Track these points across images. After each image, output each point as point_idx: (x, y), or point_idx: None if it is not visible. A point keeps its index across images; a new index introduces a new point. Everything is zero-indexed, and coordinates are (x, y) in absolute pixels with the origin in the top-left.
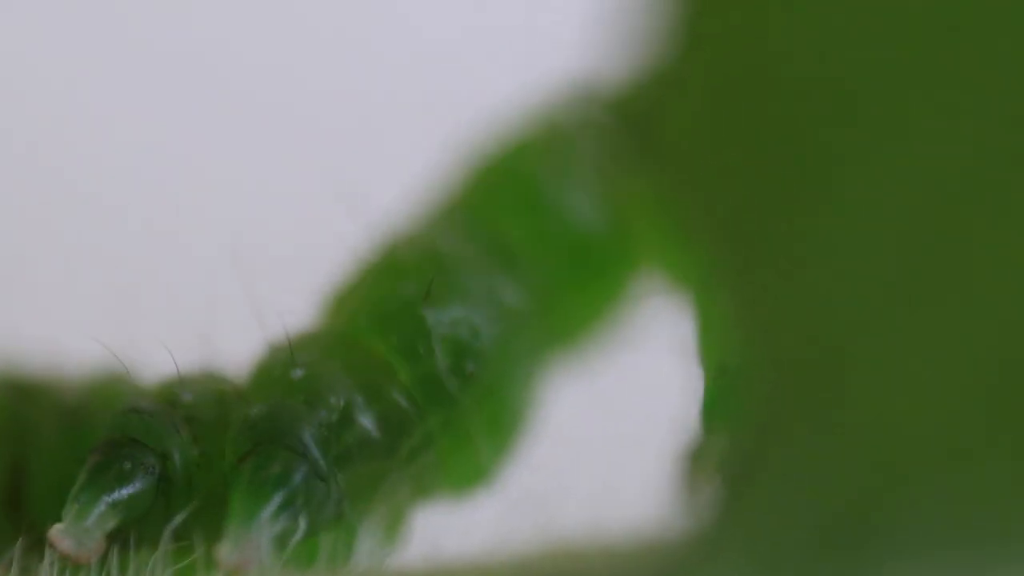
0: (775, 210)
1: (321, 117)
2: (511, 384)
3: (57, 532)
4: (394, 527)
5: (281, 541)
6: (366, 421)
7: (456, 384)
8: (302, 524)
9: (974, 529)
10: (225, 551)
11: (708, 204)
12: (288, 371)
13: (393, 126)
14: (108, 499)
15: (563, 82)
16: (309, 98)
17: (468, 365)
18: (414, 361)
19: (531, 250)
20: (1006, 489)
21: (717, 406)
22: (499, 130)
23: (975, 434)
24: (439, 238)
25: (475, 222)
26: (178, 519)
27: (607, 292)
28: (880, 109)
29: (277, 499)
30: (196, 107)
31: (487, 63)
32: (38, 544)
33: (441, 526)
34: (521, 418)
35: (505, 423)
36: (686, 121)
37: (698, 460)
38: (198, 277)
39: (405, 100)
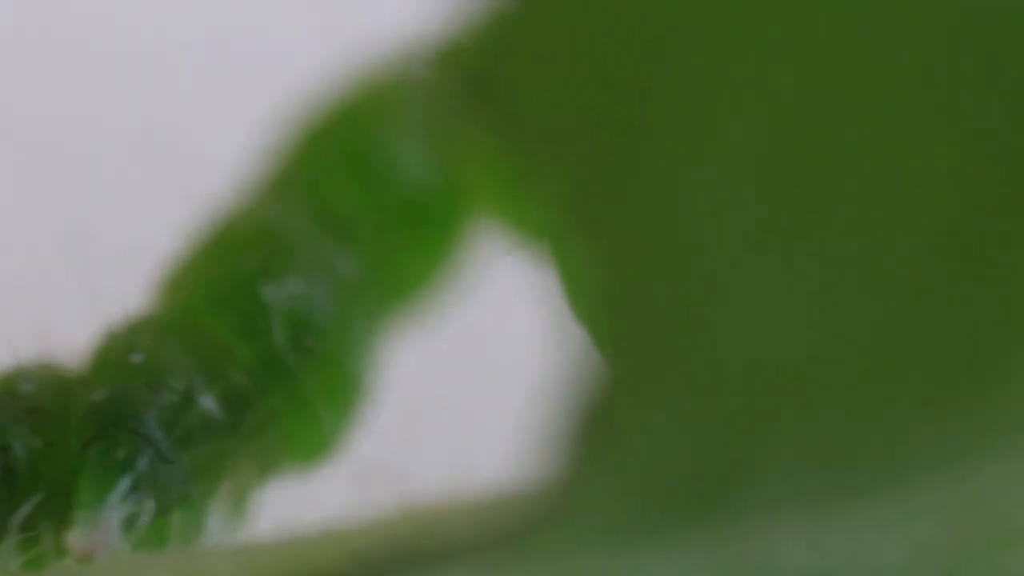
0: (623, 154)
1: (141, 100)
2: (351, 352)
3: None
4: (242, 503)
5: (130, 524)
6: (207, 401)
7: (296, 358)
8: (149, 506)
9: (834, 475)
10: (75, 537)
11: (552, 153)
12: (127, 355)
13: (216, 98)
14: None
15: (389, 37)
16: (126, 81)
17: (307, 339)
18: (252, 338)
19: (363, 214)
20: (866, 436)
21: (576, 356)
22: (323, 93)
23: (838, 377)
24: (271, 211)
25: (305, 191)
26: (24, 509)
27: (443, 249)
28: (723, 42)
29: (124, 483)
30: (20, 95)
31: (308, 24)
32: None
33: (292, 498)
34: (363, 385)
35: (347, 392)
36: (525, 69)
37: (556, 413)
38: (32, 268)
39: (225, 71)
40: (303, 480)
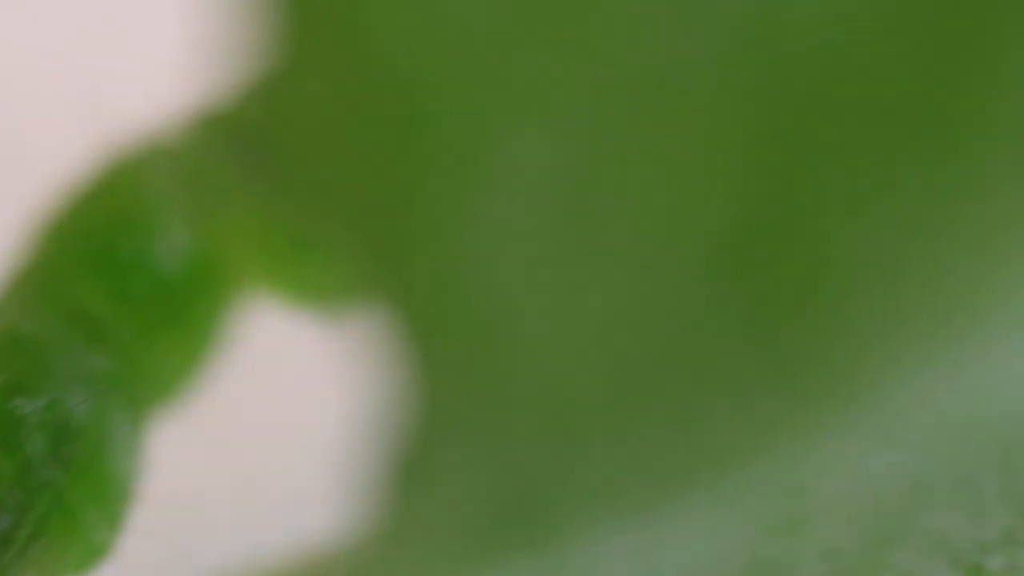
0: (406, 197)
1: None
2: (113, 450)
3: None
4: None
5: None
6: None
7: (56, 468)
8: None
9: (645, 486)
10: None
11: (337, 211)
12: None
13: None
14: None
15: (138, 110)
16: None
17: (65, 448)
18: (10, 454)
19: (114, 309)
20: (671, 444)
21: (379, 404)
22: (67, 179)
23: (636, 387)
24: (18, 318)
25: (52, 293)
26: None
27: (206, 332)
28: (484, 70)
29: None
30: None
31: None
32: None
33: None
34: (129, 484)
35: (112, 492)
36: (298, 129)
37: (366, 461)
38: None
39: None
40: None
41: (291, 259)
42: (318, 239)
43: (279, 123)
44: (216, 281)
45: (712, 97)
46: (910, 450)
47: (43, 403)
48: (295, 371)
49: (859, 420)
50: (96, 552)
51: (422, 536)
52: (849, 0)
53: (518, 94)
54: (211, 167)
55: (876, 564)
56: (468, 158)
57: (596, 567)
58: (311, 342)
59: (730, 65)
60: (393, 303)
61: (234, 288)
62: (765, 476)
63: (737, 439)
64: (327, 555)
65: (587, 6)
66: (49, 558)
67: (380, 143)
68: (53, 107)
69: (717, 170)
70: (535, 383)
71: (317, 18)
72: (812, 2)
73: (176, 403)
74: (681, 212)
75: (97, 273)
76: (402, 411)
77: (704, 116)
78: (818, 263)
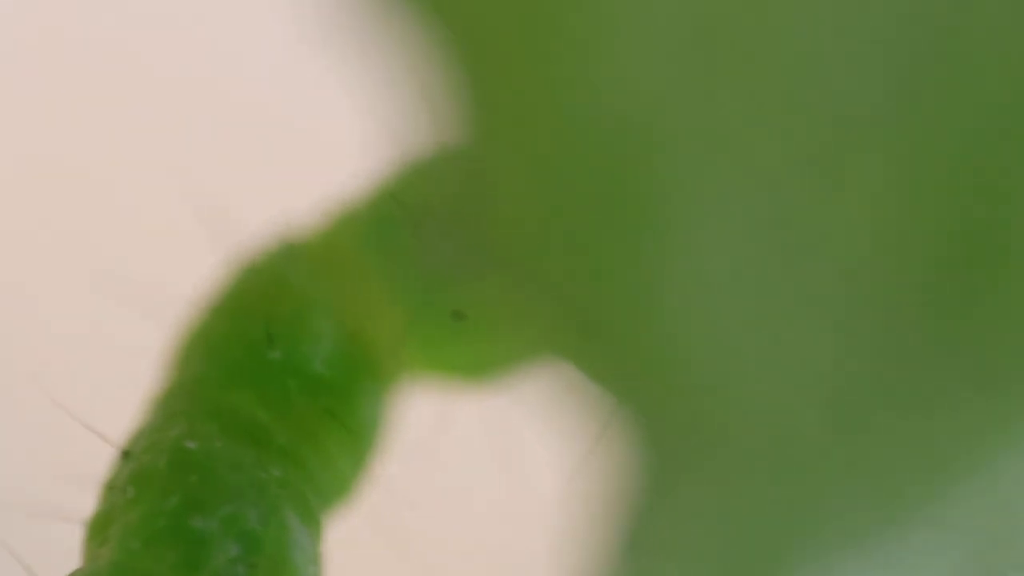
0: (619, 268)
1: None
2: (294, 558)
3: None
4: None
5: None
6: None
7: None
8: None
9: (874, 519)
10: None
11: (544, 287)
12: None
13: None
14: None
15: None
16: None
17: (246, 562)
18: (193, 572)
19: (273, 414)
20: (895, 470)
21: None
22: (217, 287)
23: (861, 424)
24: (181, 435)
25: (209, 405)
26: None
27: (371, 424)
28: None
29: None
30: None
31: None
32: None
33: None
34: None
35: None
36: (495, 203)
37: (592, 533)
38: None
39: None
40: None
41: (445, 340)
42: (516, 307)
43: (465, 202)
44: (371, 374)
45: (903, 120)
46: None
47: (220, 518)
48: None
49: None
50: None
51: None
52: None
53: (714, 147)
54: (354, 260)
55: None
56: (671, 218)
57: None
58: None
59: (917, 86)
60: (604, 377)
61: (391, 378)
62: (973, 493)
63: (954, 456)
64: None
65: (770, 54)
66: None
67: (578, 211)
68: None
69: (919, 192)
70: (762, 432)
71: (499, 89)
72: (994, 8)
73: (349, 501)
74: (885, 238)
75: (251, 381)
76: (626, 480)
77: (898, 140)
78: None
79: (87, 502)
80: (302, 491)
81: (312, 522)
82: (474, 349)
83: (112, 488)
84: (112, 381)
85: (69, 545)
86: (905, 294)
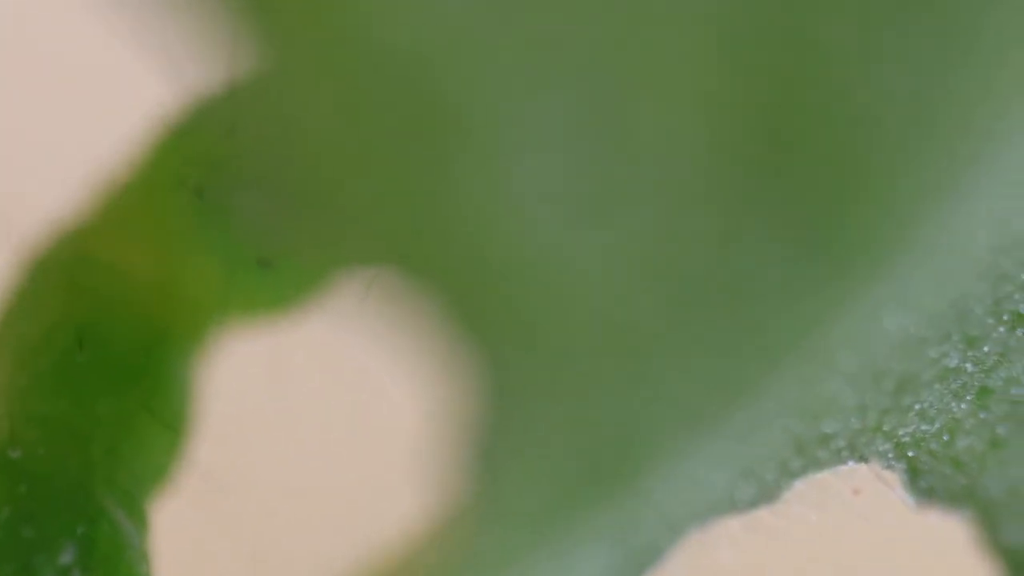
0: (441, 187)
1: None
2: (126, 554)
3: None
4: None
5: None
6: None
7: None
8: None
9: (717, 401)
10: None
11: (367, 213)
12: None
13: None
14: None
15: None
16: None
17: (82, 565)
18: None
19: (93, 416)
20: (732, 352)
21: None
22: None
23: (692, 308)
24: (2, 443)
25: (26, 411)
26: None
27: (180, 414)
28: None
29: None
30: None
31: None
32: None
33: None
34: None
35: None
36: (305, 135)
37: (443, 450)
38: None
39: None
40: None
41: (252, 286)
42: (315, 256)
43: (269, 136)
44: (180, 348)
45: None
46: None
47: (52, 526)
48: (354, 376)
49: (878, 283)
50: None
51: (509, 512)
52: None
53: (525, 66)
54: (158, 216)
55: (903, 409)
56: (489, 132)
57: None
58: (358, 348)
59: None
60: (436, 289)
61: (200, 342)
62: (803, 359)
63: (787, 332)
64: (418, 544)
65: None
66: None
67: (393, 138)
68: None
69: (724, 81)
70: (595, 331)
71: (295, 25)
72: None
73: (170, 485)
74: (696, 126)
75: (63, 386)
76: (470, 394)
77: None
78: (838, 127)
79: None
80: (126, 488)
81: (139, 517)
82: (280, 289)
83: (4, 321)
84: None
85: None
86: (727, 168)
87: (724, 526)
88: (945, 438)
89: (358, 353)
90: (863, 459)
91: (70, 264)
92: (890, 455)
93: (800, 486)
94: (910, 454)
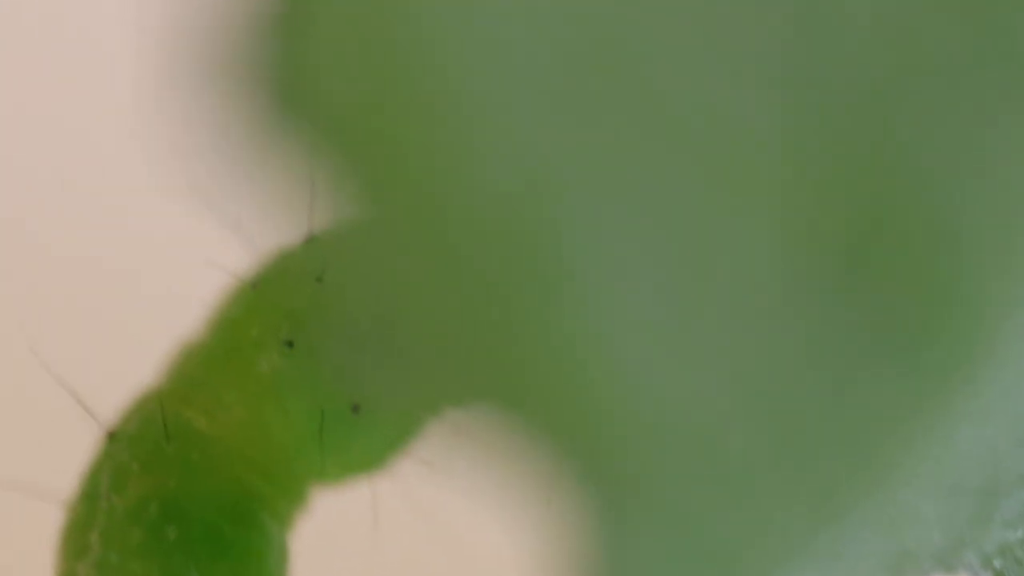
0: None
1: None
2: None
3: None
4: None
5: None
6: None
7: None
8: None
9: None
10: None
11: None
12: None
13: None
14: None
15: None
16: None
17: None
18: None
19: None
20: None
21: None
22: None
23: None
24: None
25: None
26: None
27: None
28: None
29: None
30: None
31: None
32: None
33: None
34: None
35: None
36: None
37: None
38: None
39: None
40: None
41: (346, 436)
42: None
43: (357, 282)
44: (265, 502)
45: (790, 127)
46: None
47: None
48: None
49: (965, 396)
50: None
51: None
52: None
53: (607, 190)
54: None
55: (985, 519)
56: (577, 272)
57: None
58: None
59: (795, 94)
60: (535, 430)
61: (288, 498)
62: (897, 485)
63: (886, 450)
64: None
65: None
66: None
67: (481, 282)
68: None
69: (816, 192)
70: (698, 460)
71: (381, 172)
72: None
73: None
74: (792, 237)
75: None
76: (576, 535)
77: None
78: (930, 234)
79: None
80: None
81: None
82: (375, 437)
83: (91, 495)
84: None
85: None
86: (812, 288)
87: None
88: None
89: (455, 501)
90: (950, 570)
91: (156, 434)
92: (976, 565)
93: None
94: (996, 564)
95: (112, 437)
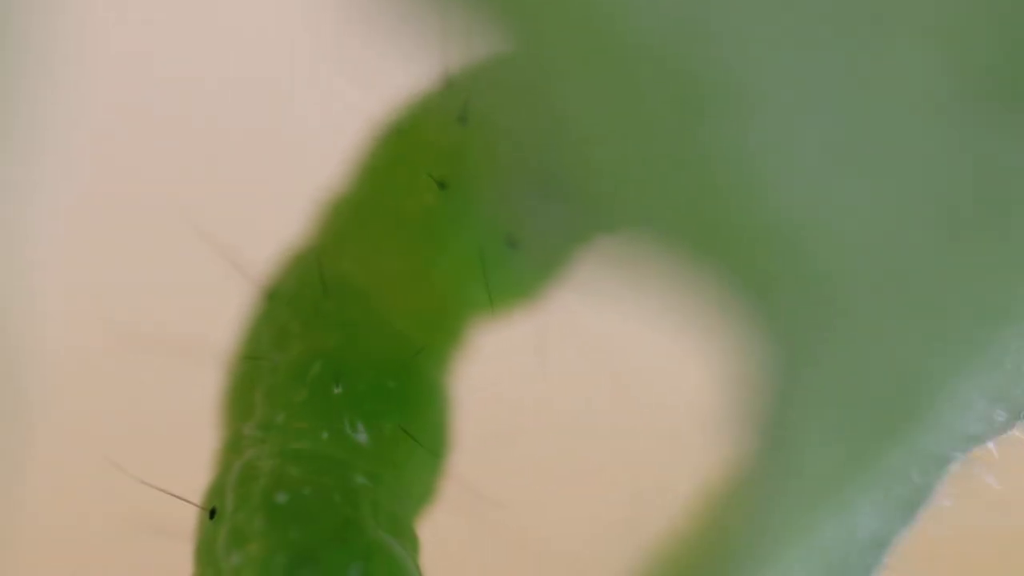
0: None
1: None
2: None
3: None
4: None
5: None
6: None
7: None
8: None
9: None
10: None
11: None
12: None
13: None
14: None
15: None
16: None
17: None
18: None
19: (353, 448)
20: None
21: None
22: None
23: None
24: (267, 487)
25: (285, 449)
26: None
27: (439, 431)
28: None
29: None
30: None
31: None
32: None
33: None
34: None
35: None
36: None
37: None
38: None
39: None
40: None
41: (501, 272)
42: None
43: (508, 120)
44: (428, 348)
45: None
46: None
47: (327, 566)
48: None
49: None
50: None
51: (800, 474)
52: None
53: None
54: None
55: None
56: (746, 91)
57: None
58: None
59: None
60: (705, 255)
61: (453, 346)
62: None
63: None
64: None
65: None
66: None
67: (645, 105)
68: None
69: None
70: (872, 272)
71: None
72: None
73: (436, 497)
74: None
75: (320, 421)
76: (753, 358)
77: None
78: None
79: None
80: (393, 513)
81: (408, 540)
82: (532, 269)
83: (208, 553)
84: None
85: None
86: (980, 123)
87: (983, 451)
88: None
89: (617, 327)
90: None
91: (314, 291)
92: None
93: None
94: None
95: (270, 296)
